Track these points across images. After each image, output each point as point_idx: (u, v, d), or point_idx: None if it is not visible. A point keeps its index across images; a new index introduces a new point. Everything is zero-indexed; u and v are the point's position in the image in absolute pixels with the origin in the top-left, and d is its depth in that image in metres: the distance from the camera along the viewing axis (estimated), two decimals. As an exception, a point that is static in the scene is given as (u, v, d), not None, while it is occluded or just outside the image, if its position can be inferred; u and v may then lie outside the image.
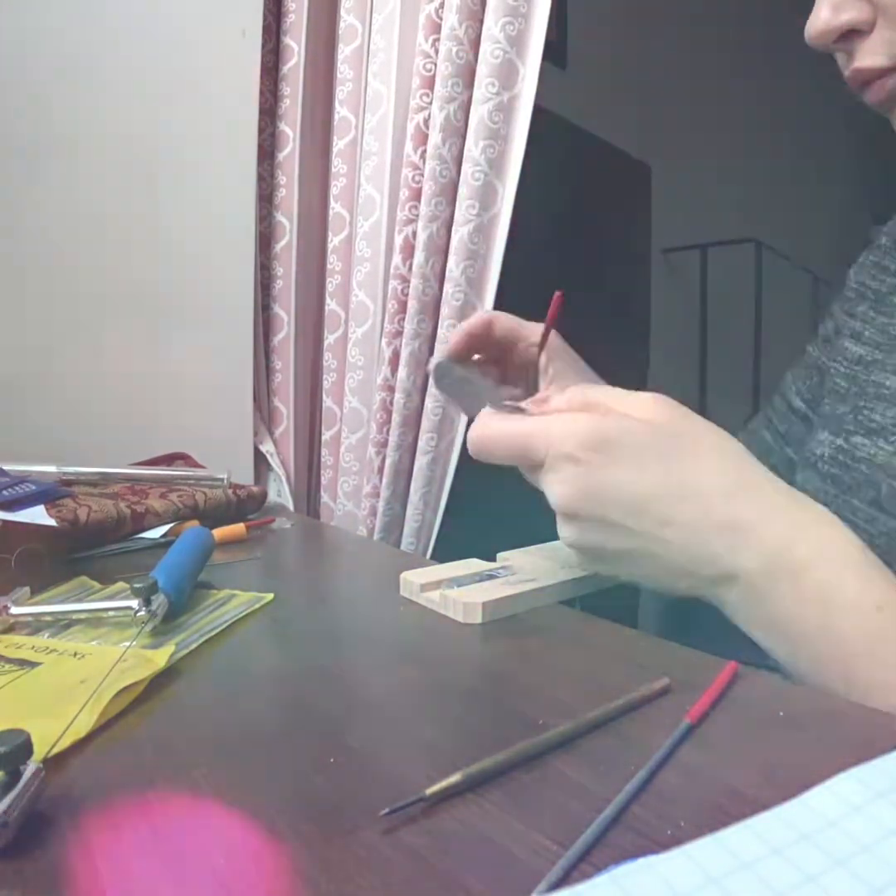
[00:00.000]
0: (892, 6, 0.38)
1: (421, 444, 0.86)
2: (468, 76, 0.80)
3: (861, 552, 0.35)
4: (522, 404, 0.42)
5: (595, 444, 0.36)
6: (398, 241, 0.85)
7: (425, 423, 0.86)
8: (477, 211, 0.79)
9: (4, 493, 0.56)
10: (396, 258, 0.85)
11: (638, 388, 0.57)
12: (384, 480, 0.88)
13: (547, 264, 1.83)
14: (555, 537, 0.44)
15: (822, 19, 0.40)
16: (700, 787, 0.24)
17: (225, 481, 0.75)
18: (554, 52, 2.00)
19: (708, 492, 0.36)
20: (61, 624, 0.42)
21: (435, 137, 0.80)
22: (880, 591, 0.34)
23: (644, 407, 0.38)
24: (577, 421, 0.38)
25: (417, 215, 0.83)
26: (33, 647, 0.38)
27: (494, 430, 0.40)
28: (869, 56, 0.40)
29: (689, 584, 0.38)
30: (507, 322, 0.56)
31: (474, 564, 0.49)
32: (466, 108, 0.80)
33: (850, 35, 0.40)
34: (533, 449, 0.38)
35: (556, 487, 0.38)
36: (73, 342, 0.85)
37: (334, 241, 0.95)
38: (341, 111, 0.93)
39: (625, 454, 0.36)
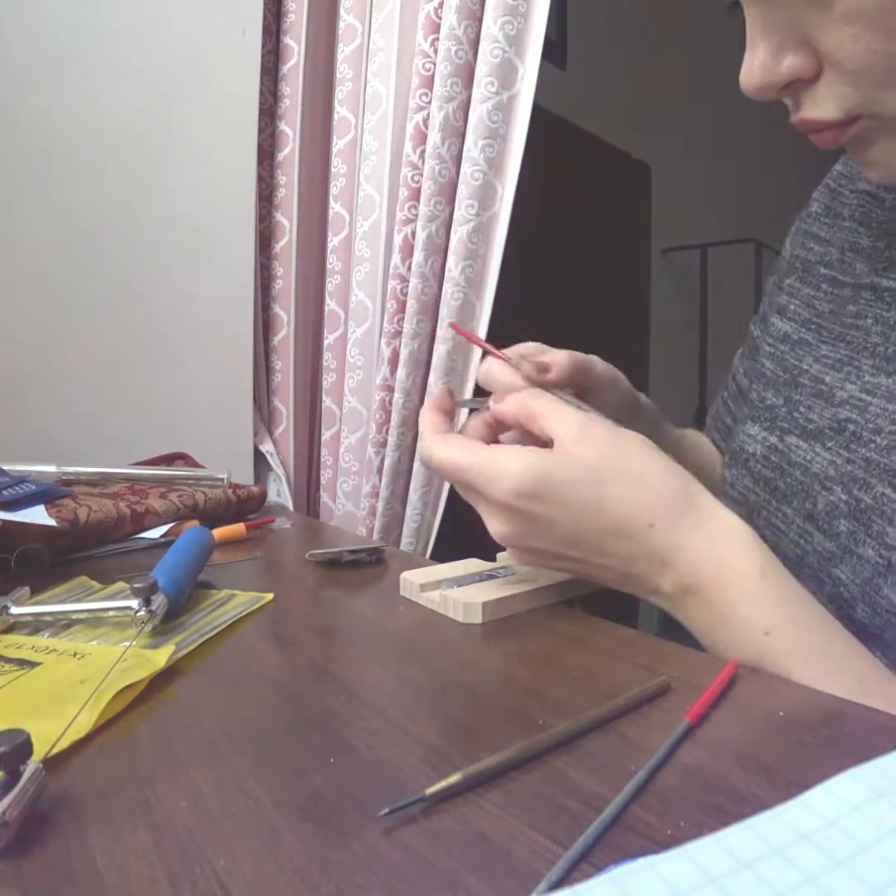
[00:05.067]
0: (839, 55, 0.33)
1: (420, 444, 0.86)
2: (467, 75, 0.80)
3: (760, 576, 0.36)
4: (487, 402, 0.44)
5: (528, 490, 0.37)
6: (397, 240, 0.85)
7: (425, 423, 0.86)
8: (476, 210, 0.79)
9: (4, 493, 0.56)
10: (396, 258, 0.85)
11: (639, 388, 0.56)
12: (383, 480, 0.88)
13: (546, 264, 1.83)
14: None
15: (761, 68, 0.35)
16: (700, 787, 0.24)
17: (225, 481, 0.75)
18: (554, 52, 2.00)
19: (635, 526, 0.38)
20: (61, 624, 0.42)
21: (434, 137, 0.80)
22: (771, 616, 0.35)
23: (571, 431, 0.39)
24: (510, 462, 0.38)
25: (416, 215, 0.83)
26: (33, 647, 0.38)
27: (440, 456, 0.41)
28: (818, 107, 0.36)
29: (629, 591, 0.40)
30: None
31: (474, 564, 0.49)
32: (465, 108, 0.80)
33: (794, 83, 0.36)
34: (472, 484, 0.39)
35: (494, 525, 0.40)
36: (73, 342, 0.85)
37: (334, 241, 0.95)
38: (341, 111, 0.93)
39: (556, 497, 0.38)
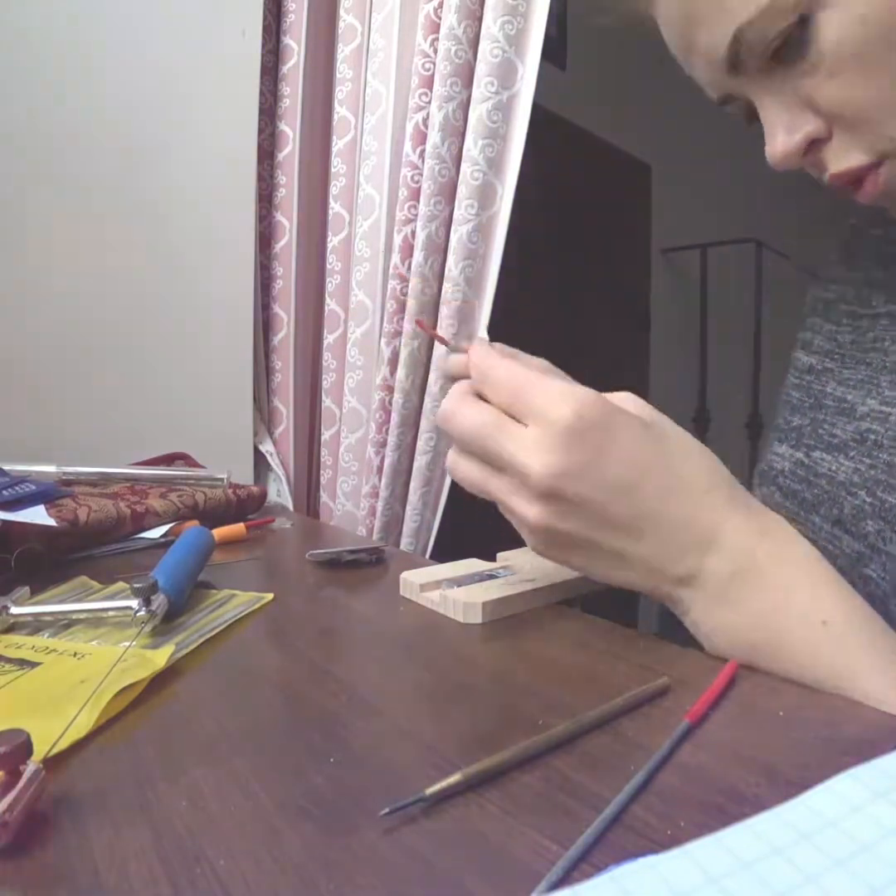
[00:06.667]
0: (837, 108, 0.37)
1: (420, 444, 0.86)
2: (467, 75, 0.80)
3: (816, 563, 0.36)
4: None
5: (596, 416, 0.34)
6: (397, 240, 0.85)
7: (424, 424, 0.86)
8: (476, 210, 0.79)
9: (4, 493, 0.56)
10: (395, 258, 0.85)
11: (640, 387, 0.57)
12: (383, 480, 0.88)
13: (546, 264, 1.83)
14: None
15: (781, 142, 0.39)
16: (700, 787, 0.24)
17: (225, 481, 0.75)
18: (554, 52, 2.00)
19: (693, 487, 0.36)
20: (61, 624, 0.42)
21: (434, 137, 0.80)
22: (829, 605, 0.34)
23: (626, 405, 0.38)
24: (582, 389, 0.36)
25: (416, 215, 0.83)
26: (33, 647, 0.38)
27: (504, 364, 0.36)
28: (839, 159, 0.38)
29: (650, 582, 0.37)
30: None
31: (474, 564, 0.49)
32: (465, 108, 0.80)
33: (813, 146, 0.39)
34: (530, 401, 0.35)
35: (540, 453, 0.34)
36: (73, 342, 0.85)
37: (334, 240, 0.95)
38: (341, 111, 0.93)
39: (623, 435, 0.35)
